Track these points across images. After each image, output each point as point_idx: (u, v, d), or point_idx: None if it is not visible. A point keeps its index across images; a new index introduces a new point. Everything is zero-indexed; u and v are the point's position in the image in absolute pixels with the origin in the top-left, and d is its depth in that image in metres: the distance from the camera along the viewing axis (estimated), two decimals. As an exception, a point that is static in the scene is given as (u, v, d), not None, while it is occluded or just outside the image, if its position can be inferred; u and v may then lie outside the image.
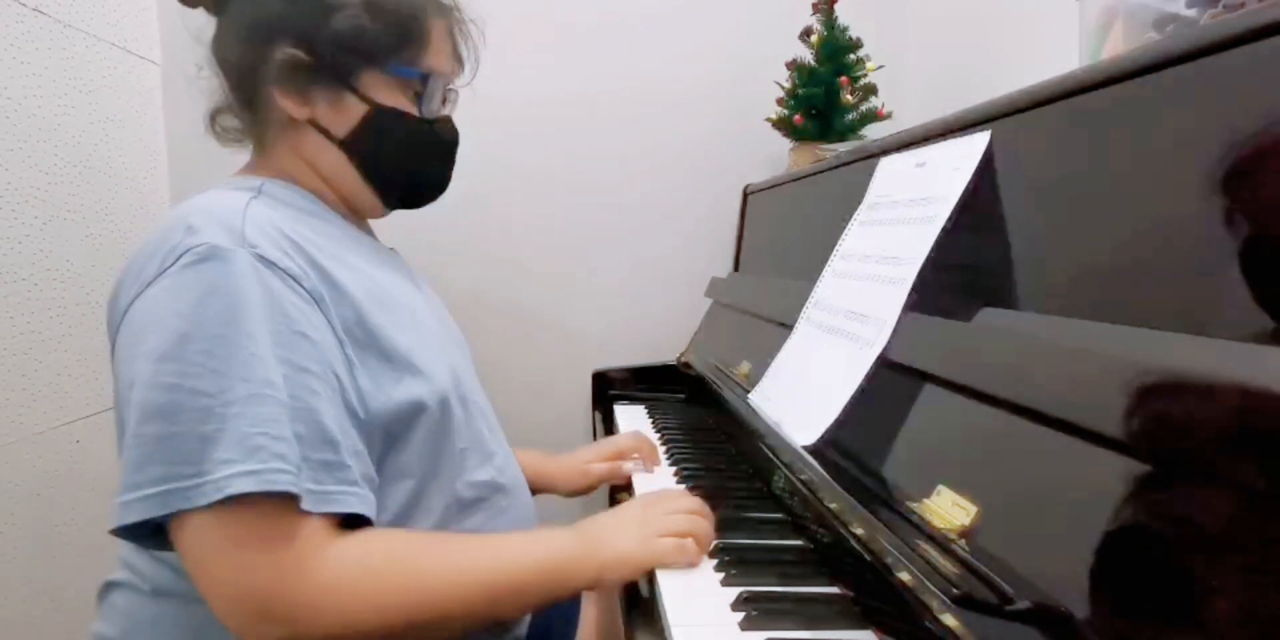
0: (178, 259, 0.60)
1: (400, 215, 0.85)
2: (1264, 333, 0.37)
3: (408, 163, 0.79)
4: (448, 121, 0.82)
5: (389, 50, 0.73)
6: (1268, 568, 0.31)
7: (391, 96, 0.75)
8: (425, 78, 0.76)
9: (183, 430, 0.55)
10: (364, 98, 0.73)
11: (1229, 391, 0.35)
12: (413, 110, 0.76)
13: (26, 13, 1.12)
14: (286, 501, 0.56)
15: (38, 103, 1.14)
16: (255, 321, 0.58)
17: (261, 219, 0.64)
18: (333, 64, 0.72)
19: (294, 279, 0.62)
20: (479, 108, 0.84)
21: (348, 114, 0.74)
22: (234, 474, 0.54)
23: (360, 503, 0.60)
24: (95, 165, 1.28)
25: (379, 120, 0.74)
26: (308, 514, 0.57)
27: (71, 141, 1.22)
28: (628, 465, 1.00)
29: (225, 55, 0.74)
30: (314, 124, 0.74)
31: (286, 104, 0.72)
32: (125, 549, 0.67)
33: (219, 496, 0.53)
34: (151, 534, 0.57)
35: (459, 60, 0.81)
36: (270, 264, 0.61)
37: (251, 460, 0.54)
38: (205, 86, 0.76)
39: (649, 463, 1.00)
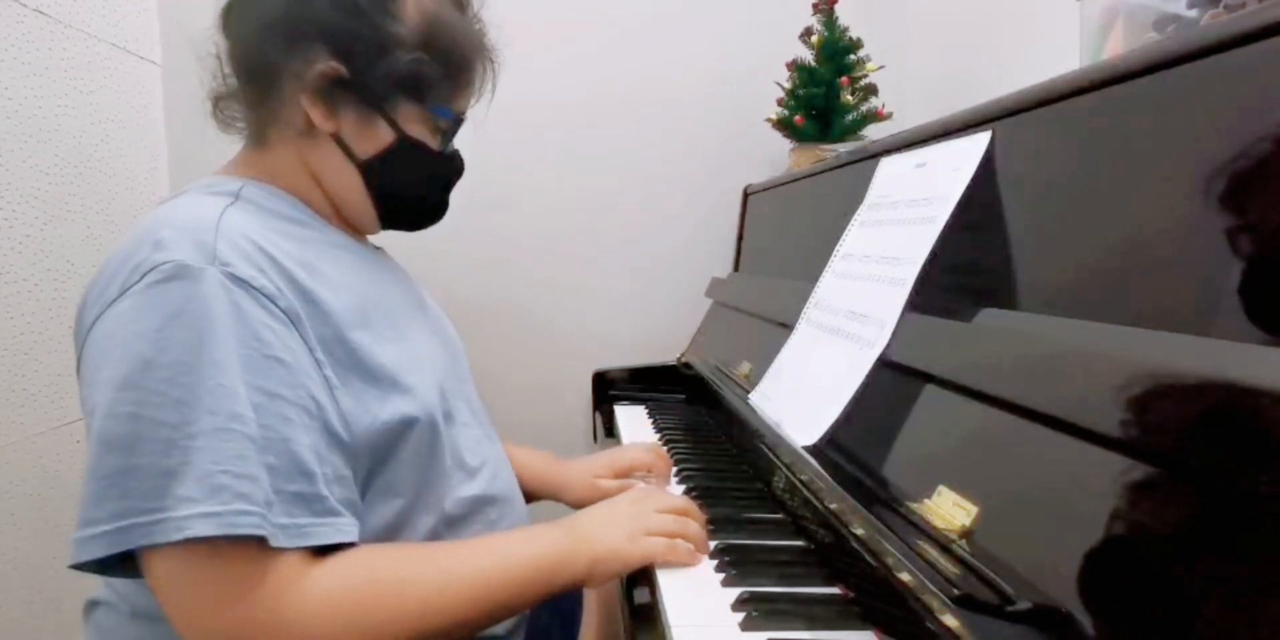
0: (142, 277, 0.56)
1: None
2: (1265, 333, 0.37)
3: (420, 193, 0.79)
4: (459, 156, 0.82)
5: (437, 93, 0.73)
6: (1267, 568, 0.31)
7: (418, 129, 0.74)
8: (458, 121, 0.77)
9: (143, 462, 0.52)
10: (395, 127, 0.73)
11: (1229, 392, 0.35)
12: (433, 144, 0.76)
13: (27, 13, 1.12)
14: (254, 540, 0.53)
15: (38, 103, 1.14)
16: (224, 348, 0.55)
17: (235, 231, 0.60)
18: (377, 93, 0.71)
19: (268, 298, 0.59)
20: (478, 109, 0.84)
21: (375, 138, 0.72)
22: (194, 514, 0.51)
23: (337, 533, 0.58)
24: (95, 165, 1.28)
25: (403, 151, 0.74)
26: (280, 550, 0.54)
27: (71, 141, 1.22)
28: (639, 484, 0.96)
29: (249, 41, 0.70)
30: (336, 138, 0.72)
31: (314, 114, 0.70)
32: None
33: (179, 537, 0.51)
34: (117, 563, 0.54)
35: (480, 94, 0.81)
36: (243, 283, 0.57)
37: (213, 501, 0.51)
38: (209, 65, 0.72)
39: (661, 482, 0.94)
